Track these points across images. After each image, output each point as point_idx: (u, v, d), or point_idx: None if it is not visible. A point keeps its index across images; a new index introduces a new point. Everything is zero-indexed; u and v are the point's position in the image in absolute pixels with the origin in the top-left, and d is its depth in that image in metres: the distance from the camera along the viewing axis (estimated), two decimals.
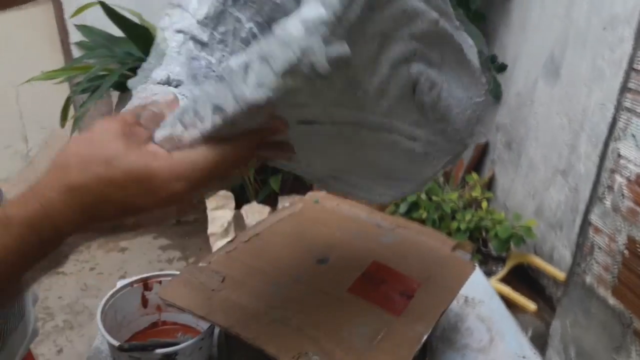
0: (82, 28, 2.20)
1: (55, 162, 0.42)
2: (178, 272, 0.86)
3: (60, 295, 2.16)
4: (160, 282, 1.07)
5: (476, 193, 1.98)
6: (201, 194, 0.46)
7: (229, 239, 2.17)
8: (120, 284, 1.09)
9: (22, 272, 0.41)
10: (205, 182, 0.42)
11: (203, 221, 2.69)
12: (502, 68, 2.13)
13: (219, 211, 2.32)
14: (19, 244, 0.39)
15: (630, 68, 1.54)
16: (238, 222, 2.26)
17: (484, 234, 1.92)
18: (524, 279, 1.99)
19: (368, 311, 0.69)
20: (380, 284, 0.74)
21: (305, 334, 0.64)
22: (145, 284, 1.06)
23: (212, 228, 2.26)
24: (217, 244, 2.11)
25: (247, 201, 2.45)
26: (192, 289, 0.76)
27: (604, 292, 1.69)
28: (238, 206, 2.34)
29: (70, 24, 2.21)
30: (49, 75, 2.03)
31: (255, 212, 2.35)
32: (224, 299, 0.71)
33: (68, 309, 2.11)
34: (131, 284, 1.06)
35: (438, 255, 0.83)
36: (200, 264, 0.81)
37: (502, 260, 1.94)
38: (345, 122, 0.48)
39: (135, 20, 2.04)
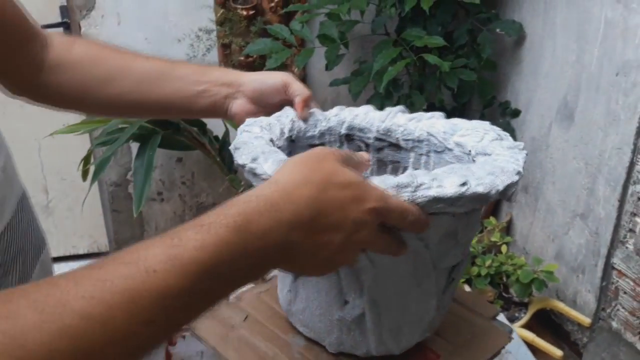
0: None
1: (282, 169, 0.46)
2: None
3: None
4: (184, 337, 1.07)
5: (495, 238, 1.97)
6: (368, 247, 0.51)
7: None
8: None
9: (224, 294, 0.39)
10: (392, 216, 0.48)
11: None
12: (516, 114, 2.15)
13: None
14: (231, 254, 0.37)
15: None
16: None
17: (504, 279, 1.90)
18: (548, 324, 1.96)
19: None
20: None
21: None
22: (170, 339, 1.06)
23: None
24: None
25: None
26: (214, 322, 0.77)
27: (632, 337, 1.65)
28: None
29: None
30: (72, 129, 2.08)
31: None
32: (240, 337, 0.73)
33: None
34: None
35: (472, 324, 0.77)
36: (230, 300, 0.82)
37: (524, 306, 1.91)
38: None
39: None
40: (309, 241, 0.42)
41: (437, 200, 0.51)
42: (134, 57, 0.74)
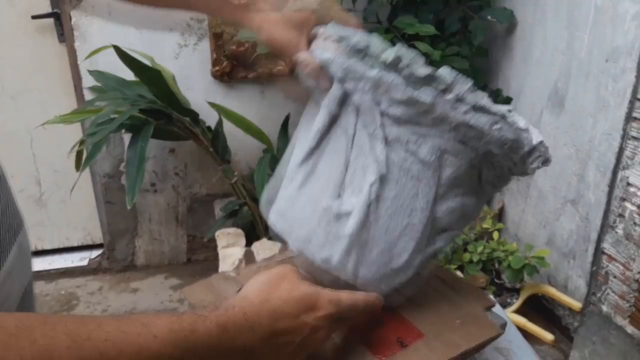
0: (95, 73, 2.25)
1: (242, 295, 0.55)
2: None
3: None
4: None
5: (487, 224, 1.98)
6: (338, 329, 0.62)
7: None
8: None
9: None
10: (347, 312, 0.58)
11: (213, 259, 2.69)
12: (507, 101, 2.16)
13: (230, 249, 2.33)
14: None
15: (635, 98, 1.57)
16: (249, 259, 2.26)
17: (496, 265, 1.92)
18: (539, 309, 1.98)
19: (354, 350, 0.67)
20: (377, 325, 0.70)
21: None
22: None
23: (223, 266, 2.26)
24: None
25: (257, 238, 2.45)
26: (210, 293, 0.78)
27: (622, 321, 1.67)
28: (248, 243, 2.35)
29: (83, 68, 2.27)
30: (63, 119, 2.08)
31: (266, 249, 2.36)
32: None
33: None
34: None
35: (464, 312, 0.76)
36: (230, 273, 0.83)
37: (516, 292, 1.93)
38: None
39: (147, 63, 2.10)
40: (268, 346, 0.52)
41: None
42: None
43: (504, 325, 0.77)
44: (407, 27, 1.89)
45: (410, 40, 1.95)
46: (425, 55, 1.95)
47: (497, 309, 0.85)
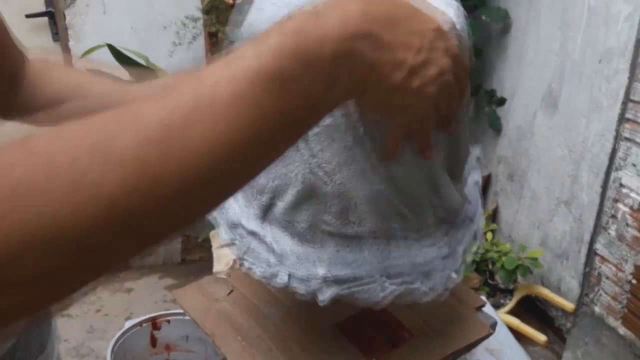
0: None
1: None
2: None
3: (66, 338, 2.15)
4: (169, 321, 1.07)
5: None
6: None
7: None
8: (129, 324, 1.09)
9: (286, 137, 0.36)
10: (461, 70, 0.41)
11: (207, 260, 2.69)
12: (501, 102, 2.16)
13: (225, 249, 2.32)
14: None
15: (627, 99, 1.58)
16: None
17: (490, 266, 1.92)
18: (533, 310, 1.98)
19: (344, 350, 0.67)
20: (368, 326, 0.71)
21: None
22: (154, 323, 1.06)
23: (217, 266, 2.26)
24: None
25: None
26: (200, 295, 0.78)
27: (614, 322, 1.68)
28: None
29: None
30: None
31: None
32: (220, 310, 0.73)
33: (74, 352, 2.09)
34: (140, 323, 1.07)
35: (454, 311, 0.76)
36: (222, 275, 0.83)
37: (509, 292, 1.93)
38: None
39: (142, 62, 2.09)
40: (375, 54, 0.36)
41: None
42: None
43: (494, 325, 0.77)
44: None
45: None
46: None
47: (488, 308, 0.85)
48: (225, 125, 0.32)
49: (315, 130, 0.52)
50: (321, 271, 0.56)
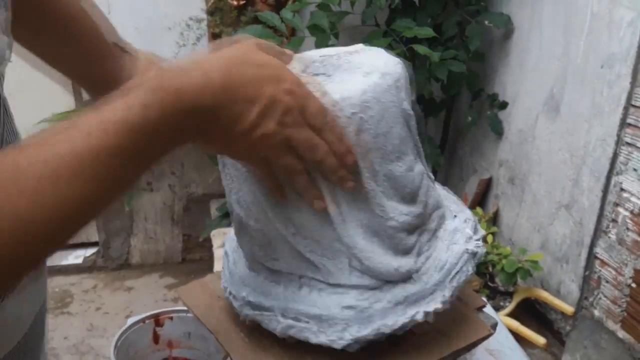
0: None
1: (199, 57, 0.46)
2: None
3: (66, 335, 2.15)
4: (171, 318, 1.08)
5: (483, 227, 1.99)
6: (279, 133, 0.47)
7: None
8: (131, 320, 1.10)
9: (139, 173, 0.43)
10: (310, 107, 0.48)
11: (208, 259, 2.70)
12: (503, 106, 2.17)
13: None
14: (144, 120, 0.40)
15: (629, 104, 1.59)
16: None
17: (490, 268, 1.93)
18: (532, 313, 1.99)
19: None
20: None
21: None
22: (157, 320, 1.07)
23: (218, 266, 2.26)
24: None
25: None
26: (203, 293, 0.78)
27: (613, 325, 1.68)
28: None
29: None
30: (59, 117, 2.08)
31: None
32: (223, 307, 0.73)
33: (74, 350, 2.10)
34: (143, 320, 1.07)
35: (455, 311, 0.75)
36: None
37: (509, 295, 1.94)
38: None
39: None
40: (223, 111, 0.43)
41: None
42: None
43: (494, 326, 0.77)
44: (405, 31, 1.90)
45: (408, 43, 1.96)
46: (425, 57, 1.97)
47: (488, 309, 0.85)
48: (93, 173, 0.38)
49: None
50: (243, 294, 0.65)
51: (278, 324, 0.63)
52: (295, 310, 0.63)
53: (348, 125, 0.57)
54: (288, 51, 0.56)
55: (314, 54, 0.70)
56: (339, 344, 0.62)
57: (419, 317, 0.64)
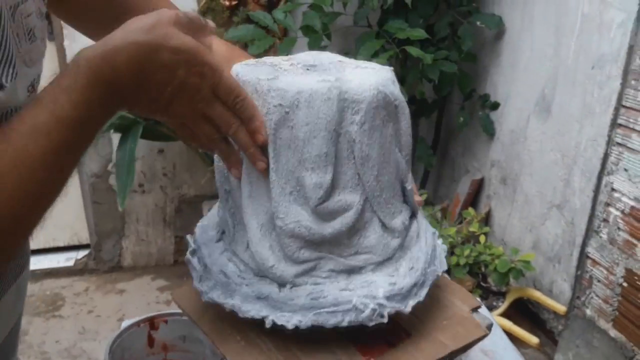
0: None
1: (122, 27, 0.50)
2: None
3: (57, 339, 2.14)
4: (166, 321, 1.07)
5: (474, 228, 2.00)
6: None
7: None
8: (126, 323, 1.09)
9: (91, 135, 0.50)
10: (221, 88, 0.54)
11: None
12: (495, 106, 2.18)
13: None
14: (86, 98, 0.47)
15: (620, 104, 1.60)
16: None
17: (483, 268, 1.94)
18: (525, 313, 2.00)
19: (342, 349, 0.67)
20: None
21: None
22: (152, 323, 1.06)
23: None
24: None
25: None
26: (197, 295, 0.78)
27: (605, 325, 1.70)
28: None
29: None
30: None
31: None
32: (220, 310, 0.72)
33: (66, 353, 2.08)
34: (137, 323, 1.07)
35: (450, 312, 0.76)
36: None
37: (502, 295, 1.95)
38: None
39: None
40: (142, 94, 0.50)
41: None
42: None
43: (490, 326, 0.78)
44: (398, 32, 1.91)
45: (400, 44, 1.96)
46: (417, 59, 1.97)
47: (483, 310, 0.86)
48: (53, 164, 0.47)
49: None
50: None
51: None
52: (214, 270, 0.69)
53: (271, 113, 0.59)
54: (210, 23, 0.57)
55: (330, 55, 0.72)
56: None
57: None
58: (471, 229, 2.00)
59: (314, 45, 2.01)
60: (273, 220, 0.64)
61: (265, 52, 2.31)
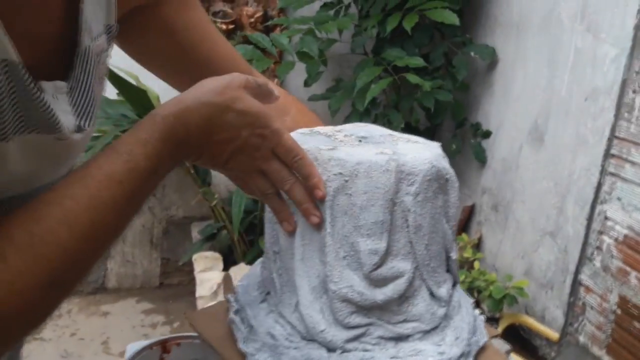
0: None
1: (196, 87, 0.54)
2: (197, 334, 0.86)
3: None
4: (179, 344, 1.05)
5: (467, 254, 2.02)
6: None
7: (217, 302, 2.12)
8: (135, 347, 1.07)
9: (154, 186, 0.52)
10: (281, 147, 0.57)
11: (187, 284, 2.64)
12: (486, 135, 2.23)
13: (207, 273, 2.29)
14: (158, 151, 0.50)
15: (613, 135, 1.65)
16: (227, 284, 2.23)
17: (476, 294, 1.95)
18: (517, 339, 2.01)
19: None
20: None
21: None
22: (164, 346, 1.04)
23: (200, 291, 2.22)
24: None
25: (235, 263, 2.42)
26: (215, 320, 0.77)
27: (599, 351, 1.72)
28: (225, 268, 2.32)
29: None
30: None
31: (244, 274, 2.33)
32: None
33: None
34: (150, 346, 1.04)
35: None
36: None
37: (495, 321, 1.96)
38: None
39: (132, 82, 2.08)
40: (206, 150, 0.54)
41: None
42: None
43: (509, 352, 0.80)
44: (397, 60, 1.94)
45: (397, 72, 2.00)
46: (412, 86, 2.01)
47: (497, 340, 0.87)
48: (127, 204, 0.49)
49: None
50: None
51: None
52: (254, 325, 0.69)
53: (330, 180, 0.62)
54: (276, 90, 0.61)
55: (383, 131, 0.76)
56: None
57: None
58: (465, 255, 2.02)
59: (312, 71, 2.03)
60: (325, 284, 0.65)
61: (263, 73, 2.32)
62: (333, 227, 0.63)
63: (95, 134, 2.01)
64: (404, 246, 0.66)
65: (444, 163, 0.70)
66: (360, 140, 0.71)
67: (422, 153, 0.68)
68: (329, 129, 0.74)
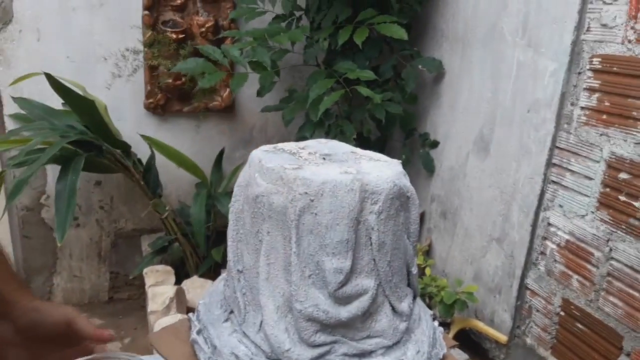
0: (20, 100, 2.13)
1: None
2: (129, 354, 0.84)
3: None
4: None
5: (419, 261, 2.07)
6: None
7: (170, 316, 2.08)
8: None
9: None
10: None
11: (137, 298, 2.58)
12: (434, 144, 2.30)
13: (159, 287, 2.24)
14: None
15: (554, 146, 1.74)
16: (180, 297, 2.19)
17: (428, 300, 2.00)
18: (467, 343, 2.07)
19: None
20: None
21: None
22: None
23: (153, 305, 2.17)
24: (159, 323, 2.02)
25: (187, 275, 2.39)
26: (177, 339, 0.77)
27: (544, 352, 1.79)
28: (177, 281, 2.28)
29: (6, 94, 2.14)
30: None
31: (197, 287, 2.30)
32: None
33: None
34: None
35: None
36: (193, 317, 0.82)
37: (446, 326, 2.02)
38: None
39: (79, 92, 2.02)
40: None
41: None
42: None
43: None
44: (349, 72, 1.98)
45: (348, 84, 2.03)
46: (363, 99, 2.05)
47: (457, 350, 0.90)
48: None
49: None
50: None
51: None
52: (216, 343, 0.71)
53: (296, 200, 0.63)
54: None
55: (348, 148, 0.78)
56: None
57: None
58: (417, 262, 2.07)
59: (266, 82, 2.04)
60: (290, 303, 0.66)
61: (216, 86, 2.31)
62: (299, 246, 0.64)
63: (40, 146, 1.94)
64: (367, 264, 0.67)
65: (405, 181, 0.72)
66: (324, 158, 0.73)
67: (385, 172, 0.70)
68: (292, 146, 0.75)
